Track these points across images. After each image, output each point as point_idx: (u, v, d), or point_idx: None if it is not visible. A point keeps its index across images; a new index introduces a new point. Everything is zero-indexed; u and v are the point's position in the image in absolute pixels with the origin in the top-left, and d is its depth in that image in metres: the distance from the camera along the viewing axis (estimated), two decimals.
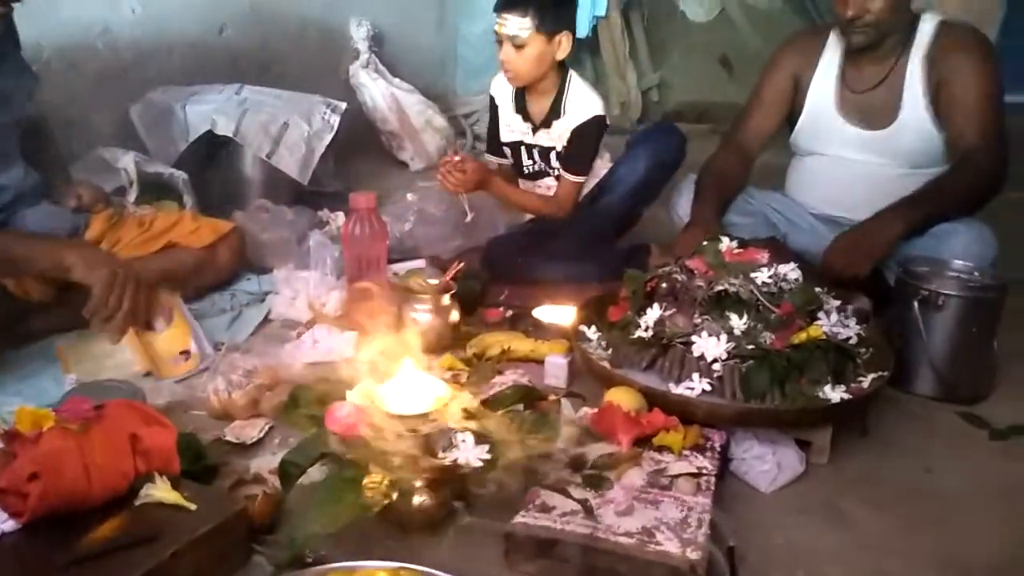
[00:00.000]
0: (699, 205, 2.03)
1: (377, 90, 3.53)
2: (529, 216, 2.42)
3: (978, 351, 1.68)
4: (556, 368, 1.67)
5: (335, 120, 2.70)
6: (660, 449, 1.32)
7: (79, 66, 2.55)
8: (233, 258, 2.08)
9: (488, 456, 1.17)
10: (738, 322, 1.45)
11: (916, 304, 1.65)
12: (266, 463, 1.33)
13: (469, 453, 1.17)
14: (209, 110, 2.53)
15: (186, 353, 1.69)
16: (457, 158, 2.14)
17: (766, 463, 1.37)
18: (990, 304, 1.67)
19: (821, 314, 1.51)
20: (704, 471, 1.27)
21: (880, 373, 1.49)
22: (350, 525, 1.13)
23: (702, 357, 1.42)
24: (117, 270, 1.52)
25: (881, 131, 1.95)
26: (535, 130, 2.28)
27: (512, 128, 2.32)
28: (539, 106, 2.26)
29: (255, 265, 2.17)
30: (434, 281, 1.83)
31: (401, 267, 2.10)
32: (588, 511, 1.16)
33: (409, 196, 2.56)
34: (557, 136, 2.25)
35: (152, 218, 2.00)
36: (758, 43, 4.44)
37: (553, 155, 2.28)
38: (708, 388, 1.41)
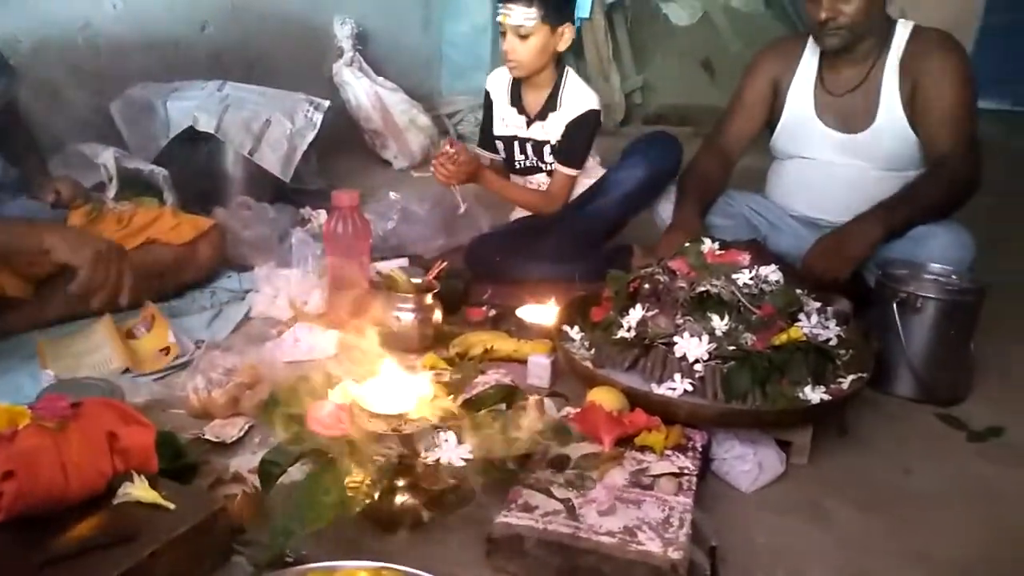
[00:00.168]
0: (681, 207, 2.05)
1: (361, 88, 3.52)
2: (515, 215, 2.43)
3: (956, 353, 1.70)
4: (539, 368, 1.67)
5: (318, 118, 2.68)
6: (642, 449, 1.32)
7: (59, 61, 2.53)
8: (214, 255, 2.06)
9: (470, 455, 1.17)
10: (720, 323, 1.46)
11: (895, 306, 1.67)
12: (246, 462, 1.32)
13: (451, 452, 1.17)
14: (190, 106, 2.51)
15: (166, 350, 1.68)
16: (453, 149, 2.14)
17: (747, 463, 1.38)
18: (968, 307, 1.69)
19: (802, 316, 1.52)
20: (686, 471, 1.27)
21: (859, 374, 1.50)
22: (331, 525, 1.12)
23: (684, 358, 1.43)
24: (100, 247, 1.51)
25: (859, 134, 1.98)
26: (529, 123, 2.28)
27: (506, 122, 2.32)
28: (535, 99, 2.27)
29: (236, 262, 2.16)
30: (417, 280, 1.82)
31: (384, 266, 2.09)
32: (570, 511, 1.16)
33: (392, 195, 2.55)
34: (552, 129, 2.25)
35: (131, 214, 1.98)
36: (740, 47, 4.48)
37: (547, 149, 2.28)
38: (690, 388, 1.41)
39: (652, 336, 1.48)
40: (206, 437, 1.40)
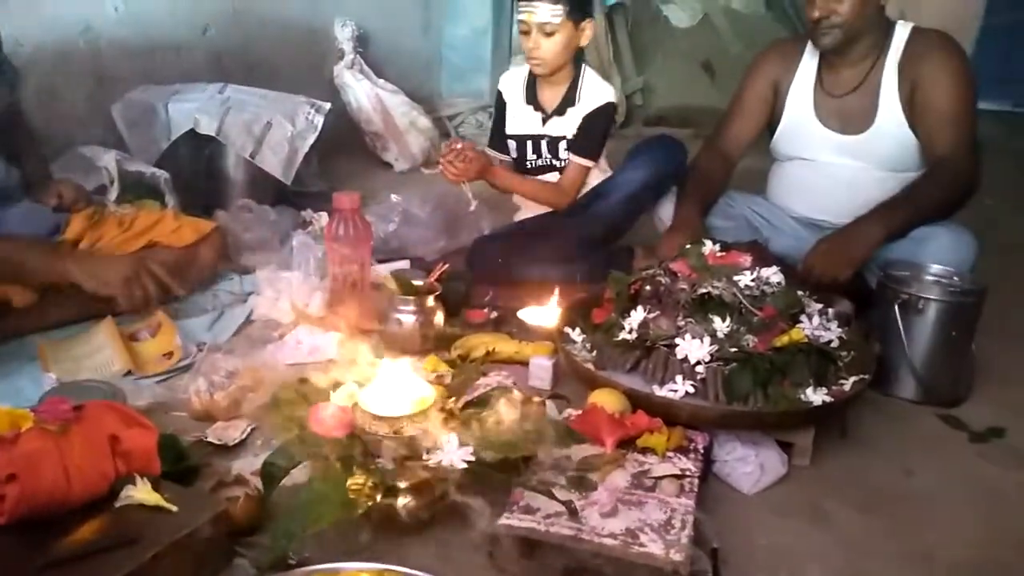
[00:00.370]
0: (682, 208, 2.05)
1: (361, 91, 3.52)
2: (518, 216, 2.43)
3: (957, 354, 1.70)
4: (541, 370, 1.67)
5: (319, 120, 2.69)
6: (644, 451, 1.32)
7: (61, 64, 2.53)
8: (215, 258, 2.06)
9: (472, 458, 1.17)
10: (721, 325, 1.46)
11: (896, 308, 1.67)
12: (248, 465, 1.32)
13: (453, 455, 1.17)
14: (192, 109, 2.52)
15: (169, 354, 1.68)
16: (459, 146, 2.14)
17: (749, 465, 1.38)
18: (969, 308, 1.69)
19: (803, 317, 1.52)
20: (687, 473, 1.27)
21: (861, 376, 1.50)
22: (333, 527, 1.13)
23: (685, 359, 1.43)
24: (127, 273, 1.59)
25: (859, 135, 1.98)
26: (546, 120, 2.29)
27: (521, 121, 2.33)
28: (552, 95, 2.28)
29: (238, 265, 2.16)
30: (418, 282, 1.83)
31: (385, 268, 2.09)
32: (572, 512, 1.16)
33: (393, 197, 2.55)
34: (570, 124, 2.26)
35: (133, 217, 1.98)
36: (740, 49, 4.48)
37: (562, 145, 2.28)
38: (691, 390, 1.42)
39: (654, 338, 1.48)
40: (208, 440, 1.40)
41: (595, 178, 2.29)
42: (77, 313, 1.78)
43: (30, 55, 2.41)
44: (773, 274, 1.54)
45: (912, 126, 1.92)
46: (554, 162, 2.32)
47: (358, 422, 1.22)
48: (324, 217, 2.45)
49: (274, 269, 2.03)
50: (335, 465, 1.17)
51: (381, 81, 3.59)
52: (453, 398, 1.33)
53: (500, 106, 2.38)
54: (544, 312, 1.88)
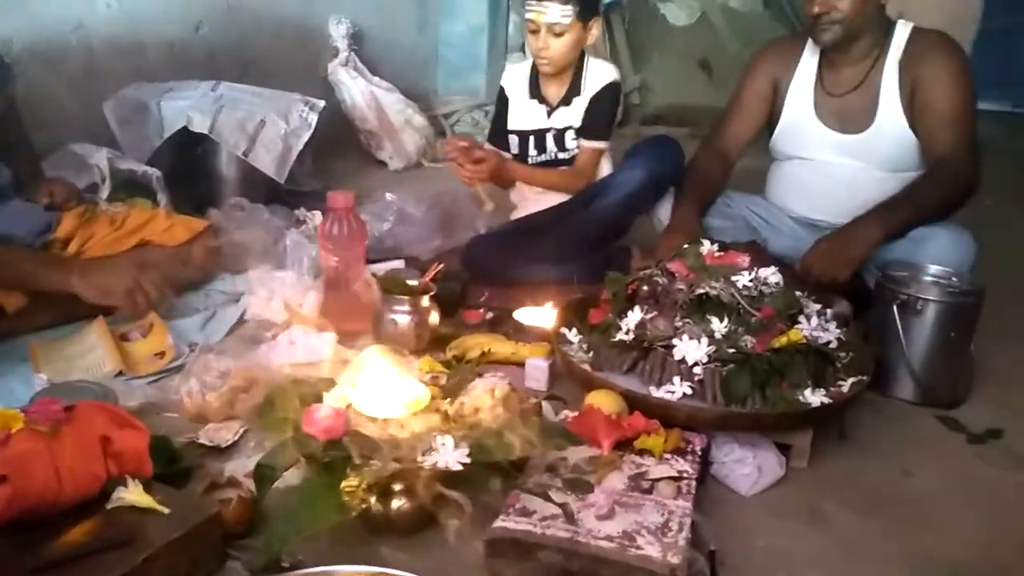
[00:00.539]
0: (680, 208, 2.04)
1: (356, 88, 3.50)
2: (514, 215, 2.42)
3: (956, 355, 1.70)
4: (537, 371, 1.66)
5: (313, 118, 2.67)
6: (641, 452, 1.31)
7: (52, 62, 2.51)
8: (207, 257, 2.04)
9: (467, 459, 1.16)
10: (719, 325, 1.45)
11: (895, 308, 1.66)
12: (241, 466, 1.31)
13: (448, 456, 1.16)
14: (184, 106, 2.50)
15: (160, 354, 1.67)
16: (464, 143, 2.13)
17: (746, 466, 1.37)
18: (968, 309, 1.68)
19: (801, 318, 1.51)
20: (685, 475, 1.26)
21: (859, 377, 1.49)
22: (327, 529, 1.11)
23: (683, 360, 1.42)
24: (128, 283, 1.63)
25: (858, 135, 1.97)
26: (551, 112, 2.30)
27: (524, 116, 2.33)
28: (557, 88, 2.29)
29: (230, 264, 2.14)
30: (413, 282, 1.81)
31: (380, 267, 2.08)
32: (569, 515, 1.14)
33: (388, 196, 2.53)
34: (577, 112, 2.27)
35: (125, 215, 1.97)
36: (738, 47, 4.47)
37: (569, 135, 2.29)
38: (689, 391, 1.41)
39: (651, 338, 1.47)
40: (200, 441, 1.39)
41: (604, 169, 2.29)
42: (68, 314, 1.76)
43: (22, 53, 2.39)
44: (771, 274, 1.53)
45: (912, 126, 1.91)
46: (559, 155, 2.32)
47: (352, 423, 1.21)
48: (318, 216, 2.43)
49: (267, 268, 2.01)
50: (329, 467, 1.15)
51: (376, 79, 3.57)
52: (448, 399, 1.32)
53: (503, 101, 2.38)
54: (540, 313, 1.86)
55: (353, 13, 3.58)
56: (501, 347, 1.75)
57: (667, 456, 1.31)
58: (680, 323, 1.47)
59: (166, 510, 1.05)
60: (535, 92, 2.31)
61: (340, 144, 3.42)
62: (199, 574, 1.06)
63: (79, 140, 2.41)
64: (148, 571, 0.98)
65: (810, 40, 2.02)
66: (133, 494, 1.06)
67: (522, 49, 4.34)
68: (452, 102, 4.10)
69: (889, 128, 1.94)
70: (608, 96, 2.25)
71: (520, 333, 1.84)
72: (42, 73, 2.47)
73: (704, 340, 1.42)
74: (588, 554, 1.09)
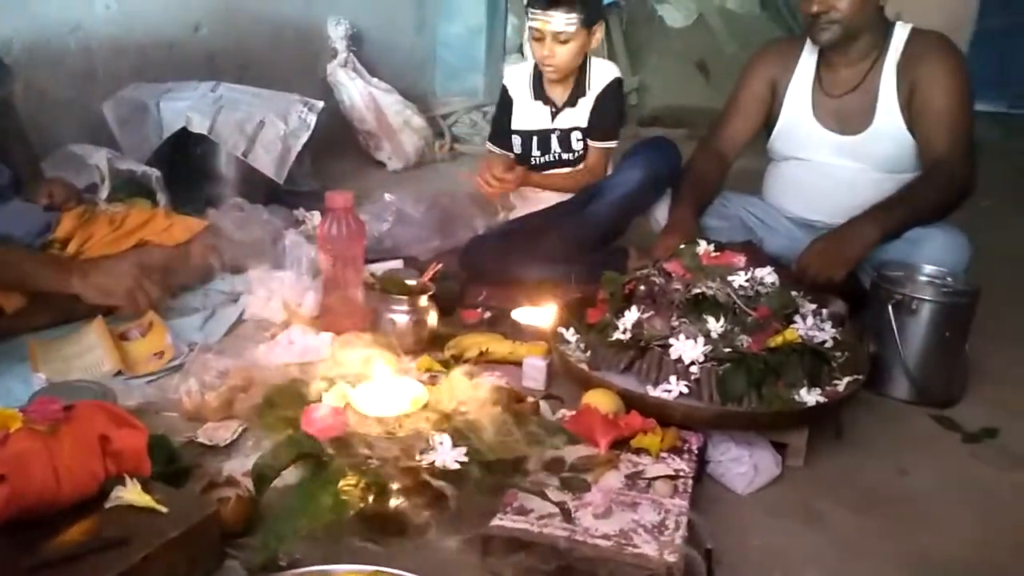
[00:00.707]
0: (677, 209, 2.05)
1: (355, 89, 3.51)
2: (513, 215, 2.42)
3: (951, 355, 1.71)
4: (534, 370, 1.66)
5: (312, 119, 2.67)
6: (638, 451, 1.32)
7: (51, 63, 2.51)
8: (206, 257, 2.05)
9: (465, 459, 1.16)
10: (715, 325, 1.45)
11: (890, 308, 1.67)
12: (239, 466, 1.31)
13: (446, 455, 1.17)
14: (184, 107, 2.50)
15: (159, 353, 1.67)
16: (511, 175, 2.18)
17: (743, 465, 1.37)
18: (963, 309, 1.69)
19: (797, 318, 1.52)
20: (681, 473, 1.27)
21: (855, 376, 1.50)
22: (325, 528, 1.12)
23: (679, 360, 1.43)
24: (129, 284, 1.64)
25: (856, 136, 1.98)
26: (556, 114, 2.31)
27: (528, 116, 2.34)
28: (562, 89, 2.30)
29: (229, 264, 2.14)
30: (412, 282, 1.82)
31: (378, 268, 2.08)
32: (566, 514, 1.15)
33: (387, 196, 2.54)
34: (583, 113, 2.29)
35: (124, 215, 1.97)
36: (735, 49, 4.48)
37: (575, 136, 2.31)
38: (685, 391, 1.41)
39: (648, 338, 1.47)
40: (199, 440, 1.39)
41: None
42: (67, 314, 1.77)
43: (21, 53, 2.40)
44: (767, 274, 1.54)
45: (910, 127, 1.92)
46: (563, 156, 2.34)
47: (350, 423, 1.22)
48: (317, 216, 2.44)
49: (266, 268, 2.01)
50: (327, 466, 1.16)
51: (375, 80, 3.58)
52: (446, 398, 1.33)
53: (506, 102, 2.38)
54: (538, 312, 1.87)
55: (352, 14, 3.59)
56: (499, 346, 1.75)
57: (664, 455, 1.31)
58: (677, 323, 1.48)
59: (164, 509, 1.05)
60: (539, 93, 2.32)
61: (339, 145, 3.43)
62: (197, 573, 1.07)
63: (78, 140, 2.42)
64: (146, 570, 0.98)
65: (809, 41, 2.02)
66: (131, 493, 1.06)
67: (520, 51, 4.35)
68: (450, 103, 4.10)
69: (887, 129, 1.94)
70: (613, 95, 2.27)
71: (518, 333, 1.84)
72: (41, 74, 2.47)
73: (700, 339, 1.43)
74: (585, 553, 1.09)
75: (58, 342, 1.69)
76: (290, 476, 1.20)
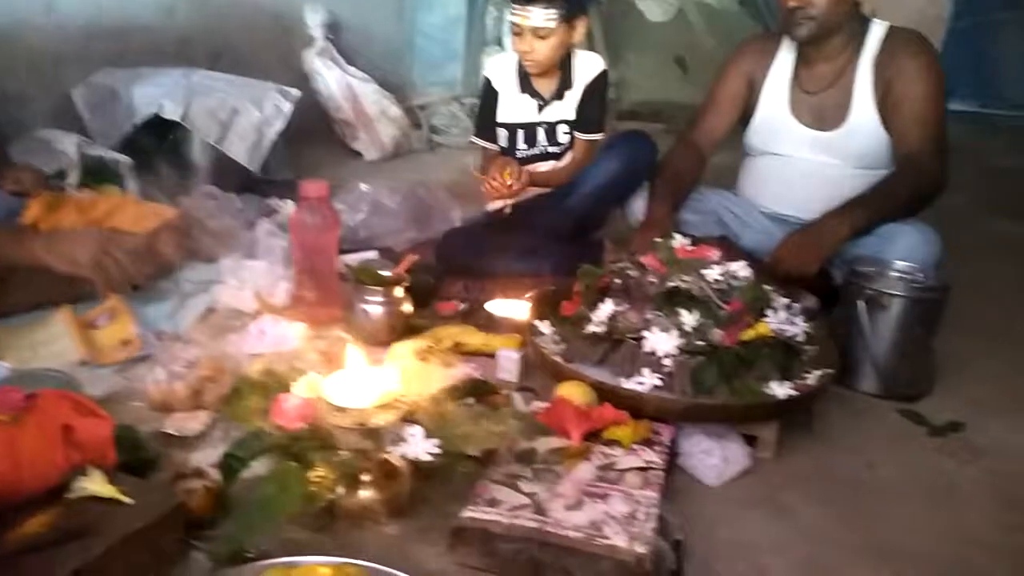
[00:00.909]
0: (655, 203, 2.05)
1: (332, 78, 3.48)
2: (491, 207, 2.41)
3: (920, 350, 1.72)
4: (508, 362, 1.66)
5: (287, 107, 2.65)
6: (609, 443, 1.32)
7: (21, 44, 2.46)
8: (177, 245, 2.01)
9: (437, 450, 1.16)
10: (688, 318, 1.46)
11: (861, 303, 1.68)
12: (208, 456, 1.29)
13: (418, 447, 1.16)
14: (156, 93, 2.46)
15: (128, 343, 1.65)
16: (518, 185, 2.14)
17: (713, 457, 1.38)
18: (933, 305, 1.71)
19: (769, 311, 1.53)
20: (653, 465, 1.27)
21: (825, 370, 1.51)
22: (293, 520, 1.11)
23: (653, 352, 1.43)
24: (93, 249, 1.56)
25: (832, 132, 1.99)
26: (542, 107, 2.29)
27: (514, 109, 2.32)
28: (548, 82, 2.28)
29: (200, 253, 2.11)
30: (386, 273, 1.81)
31: (352, 258, 2.07)
32: (537, 505, 1.15)
33: (363, 186, 2.52)
34: (570, 106, 2.28)
35: (93, 202, 1.94)
36: (713, 44, 4.49)
37: (561, 128, 2.30)
38: (658, 383, 1.41)
39: (622, 331, 1.48)
40: (167, 431, 1.37)
41: None
42: (37, 295, 1.73)
43: None
44: (741, 268, 1.55)
45: (885, 124, 1.93)
46: (549, 149, 2.32)
47: (321, 414, 1.21)
48: (290, 205, 2.41)
49: (238, 258, 1.99)
50: (297, 457, 1.15)
51: (352, 69, 3.55)
52: (419, 390, 1.32)
53: (490, 95, 2.35)
54: (513, 304, 1.86)
55: (329, 2, 3.55)
56: (472, 338, 1.74)
57: (635, 447, 1.32)
58: (651, 316, 1.48)
59: (129, 500, 1.03)
60: (526, 87, 2.29)
61: (314, 134, 3.40)
62: (162, 565, 1.05)
63: (48, 125, 2.38)
64: (110, 562, 0.97)
65: (787, 37, 2.03)
66: (95, 483, 1.04)
67: (499, 42, 4.32)
68: (428, 93, 4.08)
69: (862, 126, 1.96)
70: (599, 87, 2.27)
71: (492, 325, 1.84)
72: (9, 55, 2.43)
73: (674, 332, 1.43)
74: (556, 544, 1.09)
75: (23, 329, 1.65)
76: (259, 467, 1.19)
